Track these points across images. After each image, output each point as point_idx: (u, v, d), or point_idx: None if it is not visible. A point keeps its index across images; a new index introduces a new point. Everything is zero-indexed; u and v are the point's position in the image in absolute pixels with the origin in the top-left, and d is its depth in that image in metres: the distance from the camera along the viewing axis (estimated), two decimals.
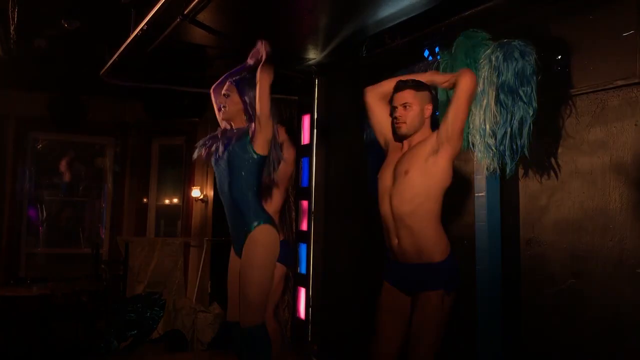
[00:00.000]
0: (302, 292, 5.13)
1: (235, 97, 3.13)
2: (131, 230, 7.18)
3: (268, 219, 3.08)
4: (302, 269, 5.15)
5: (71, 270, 6.51)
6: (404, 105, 2.78)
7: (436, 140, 2.69)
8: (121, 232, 7.12)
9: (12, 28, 4.00)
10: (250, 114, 3.09)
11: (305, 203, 5.17)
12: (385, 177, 2.83)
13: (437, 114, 3.33)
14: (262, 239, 3.04)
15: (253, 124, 3.04)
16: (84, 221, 7.48)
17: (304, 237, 5.15)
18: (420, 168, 2.68)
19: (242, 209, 3.06)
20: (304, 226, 5.16)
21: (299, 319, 5.16)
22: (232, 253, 3.23)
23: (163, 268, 5.89)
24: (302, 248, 5.16)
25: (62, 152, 7.34)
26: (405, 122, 2.78)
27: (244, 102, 3.11)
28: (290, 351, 4.84)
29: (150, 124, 7.20)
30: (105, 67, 4.59)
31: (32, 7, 3.89)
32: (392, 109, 2.84)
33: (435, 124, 2.87)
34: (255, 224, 3.03)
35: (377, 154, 3.89)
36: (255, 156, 3.03)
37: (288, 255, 4.00)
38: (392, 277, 2.81)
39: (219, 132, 3.24)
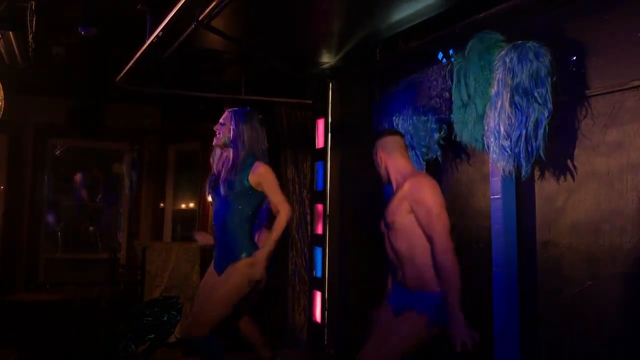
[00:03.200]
0: (318, 295, 5.13)
1: (228, 127, 3.36)
2: (148, 235, 7.23)
3: (254, 252, 3.29)
4: (318, 273, 5.16)
5: (89, 275, 6.58)
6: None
7: (408, 202, 2.80)
8: (138, 236, 7.18)
9: (30, 36, 4.06)
10: (236, 145, 3.32)
11: (320, 206, 5.18)
12: (382, 224, 2.98)
13: (452, 117, 3.34)
14: (243, 271, 3.25)
15: (258, 165, 3.29)
16: (101, 226, 7.55)
17: (319, 240, 5.16)
18: (404, 222, 2.81)
19: (234, 236, 3.28)
20: (319, 229, 5.16)
21: (315, 322, 5.16)
22: (211, 269, 3.42)
23: (180, 272, 5.91)
24: (318, 251, 5.17)
25: (80, 158, 7.43)
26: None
27: (234, 133, 3.33)
28: (306, 354, 4.84)
29: (166, 129, 7.26)
30: (121, 74, 4.64)
31: (49, 15, 3.95)
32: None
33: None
34: (244, 255, 3.25)
35: None
36: (249, 190, 3.27)
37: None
38: (392, 300, 2.96)
39: (216, 164, 3.48)
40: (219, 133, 3.39)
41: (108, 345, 5.10)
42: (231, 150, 3.32)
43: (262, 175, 3.27)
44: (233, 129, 3.32)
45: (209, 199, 6.59)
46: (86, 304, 5.50)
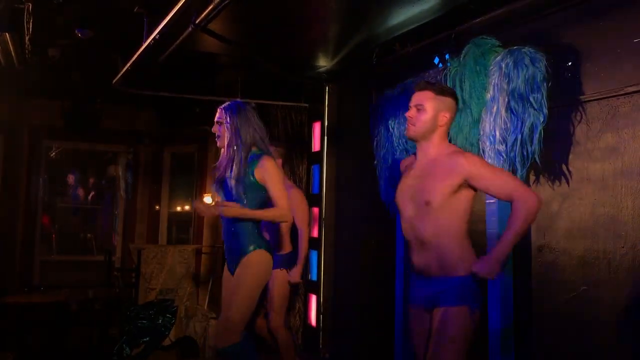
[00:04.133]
0: (313, 299, 5.13)
1: (224, 124, 3.24)
2: (143, 238, 7.23)
3: (263, 244, 3.22)
4: (313, 276, 5.16)
5: (84, 278, 6.57)
6: (417, 107, 2.58)
7: (462, 178, 2.48)
8: (133, 239, 7.18)
9: (27, 38, 4.05)
10: (233, 145, 3.20)
11: (315, 210, 5.18)
12: (404, 202, 2.65)
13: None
14: (255, 263, 3.17)
15: (264, 160, 3.18)
16: (96, 228, 7.54)
17: (314, 244, 5.16)
18: (443, 203, 2.49)
19: (240, 232, 3.19)
20: (315, 233, 5.17)
21: (310, 325, 5.16)
22: (226, 272, 3.34)
23: (175, 275, 5.91)
24: (313, 255, 5.17)
25: (76, 160, 7.42)
26: (414, 125, 2.58)
27: (230, 131, 3.22)
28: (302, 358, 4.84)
29: (162, 132, 7.26)
30: (118, 76, 4.64)
31: (46, 17, 3.95)
32: (407, 108, 2.66)
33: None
34: (252, 248, 3.17)
35: (387, 162, 3.91)
36: (255, 185, 3.16)
37: (291, 262, 4.11)
38: (415, 296, 2.65)
39: (220, 162, 3.35)
40: (219, 133, 3.31)
41: (103, 347, 5.09)
42: (233, 147, 3.22)
43: (266, 170, 3.16)
44: (228, 126, 3.23)
45: (213, 197, 6.63)
46: (81, 306, 5.48)
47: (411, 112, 2.60)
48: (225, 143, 3.24)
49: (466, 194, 2.53)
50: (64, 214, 7.42)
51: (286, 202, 3.17)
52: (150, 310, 4.91)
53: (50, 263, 6.98)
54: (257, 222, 3.24)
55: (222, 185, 3.27)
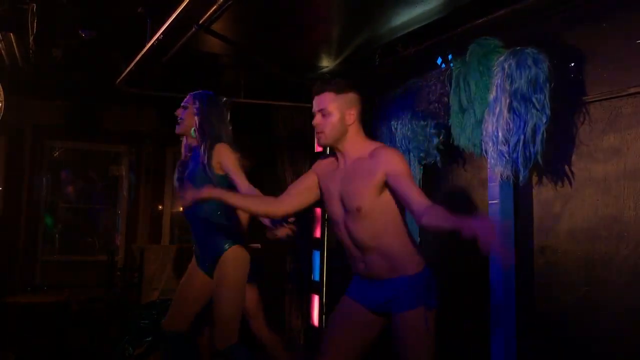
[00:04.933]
0: (316, 299, 5.14)
1: (192, 110, 3.19)
2: (146, 238, 7.22)
3: (238, 240, 3.15)
4: (316, 276, 5.16)
5: (86, 278, 6.56)
6: (322, 112, 2.43)
7: (382, 172, 2.33)
8: (136, 239, 7.17)
9: (31, 38, 4.07)
10: (202, 132, 3.12)
11: (318, 210, 5.19)
12: (334, 207, 2.50)
13: (451, 122, 3.35)
14: (233, 260, 3.11)
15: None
16: (99, 228, 7.54)
17: (317, 244, 5.16)
18: (373, 205, 2.36)
19: (212, 228, 3.12)
20: (317, 233, 5.17)
21: (312, 326, 5.16)
22: (193, 263, 3.28)
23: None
24: (316, 255, 5.17)
25: (78, 160, 7.42)
26: (323, 132, 2.44)
27: (199, 117, 3.15)
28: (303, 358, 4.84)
29: (164, 132, 7.24)
30: (122, 76, 4.64)
31: (50, 17, 3.95)
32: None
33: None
34: (227, 246, 3.10)
35: None
36: (216, 176, 3.04)
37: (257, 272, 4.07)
38: (358, 293, 2.55)
39: (183, 155, 3.29)
40: (181, 118, 3.19)
41: (103, 348, 5.09)
42: (198, 139, 3.12)
43: (221, 154, 3.00)
44: (197, 115, 3.13)
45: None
46: (83, 306, 5.48)
47: (317, 119, 2.45)
48: (195, 129, 3.14)
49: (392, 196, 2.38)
50: (67, 214, 7.42)
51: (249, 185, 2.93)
52: (153, 311, 4.91)
53: (52, 263, 6.98)
54: (227, 215, 3.15)
55: (185, 178, 3.16)
